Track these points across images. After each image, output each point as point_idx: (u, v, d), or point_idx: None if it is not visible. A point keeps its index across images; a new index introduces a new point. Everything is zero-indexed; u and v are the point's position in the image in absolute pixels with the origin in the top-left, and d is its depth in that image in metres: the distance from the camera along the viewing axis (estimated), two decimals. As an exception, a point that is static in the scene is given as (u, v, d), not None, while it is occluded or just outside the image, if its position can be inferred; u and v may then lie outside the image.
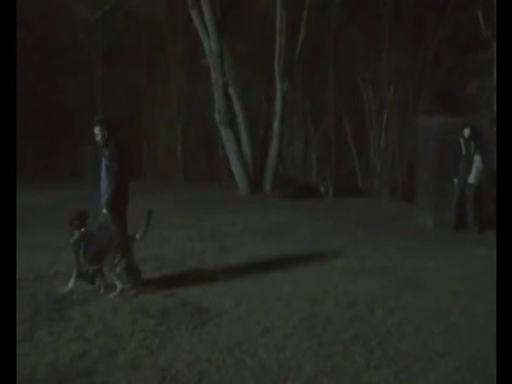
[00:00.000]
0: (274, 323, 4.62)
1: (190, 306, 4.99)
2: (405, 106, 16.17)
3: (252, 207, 11.70)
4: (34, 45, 19.25)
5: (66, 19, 18.66)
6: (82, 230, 5.43)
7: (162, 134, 20.39)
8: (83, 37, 19.99)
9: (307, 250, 7.26)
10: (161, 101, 20.27)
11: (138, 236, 5.55)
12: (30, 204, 11.27)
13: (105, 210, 5.62)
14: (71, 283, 5.36)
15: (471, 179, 8.87)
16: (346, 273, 6.13)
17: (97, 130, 5.70)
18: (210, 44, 13.97)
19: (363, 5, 15.76)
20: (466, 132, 8.91)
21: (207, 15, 13.75)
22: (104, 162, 5.68)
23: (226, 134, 14.20)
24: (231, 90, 14.12)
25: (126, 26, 19.54)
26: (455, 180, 9.00)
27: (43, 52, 19.27)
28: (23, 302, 5.19)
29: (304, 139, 17.91)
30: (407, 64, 15.36)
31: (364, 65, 16.34)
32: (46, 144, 18.84)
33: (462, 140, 8.96)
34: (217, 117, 14.21)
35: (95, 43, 20.64)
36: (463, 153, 8.94)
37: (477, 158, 8.84)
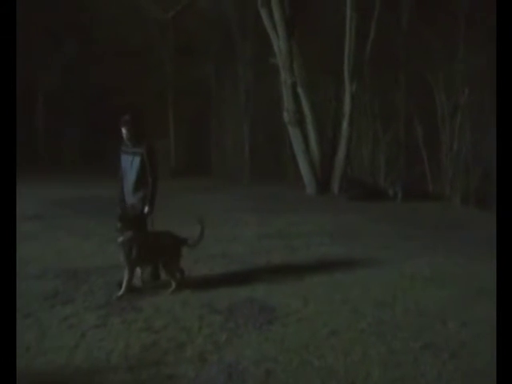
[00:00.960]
0: (341, 326, 4.56)
1: (256, 304, 5.02)
2: (480, 108, 15.48)
3: (320, 208, 11.62)
4: (107, 46, 20.07)
5: (139, 20, 19.27)
6: (133, 231, 5.31)
7: (230, 132, 20.64)
8: (155, 37, 20.60)
9: (375, 253, 7.11)
10: (229, 99, 20.53)
11: (190, 242, 5.59)
12: (104, 196, 11.74)
13: (147, 209, 5.53)
14: (124, 286, 5.26)
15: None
16: (416, 279, 5.94)
17: (124, 129, 5.53)
18: (279, 43, 13.99)
19: (437, 3, 15.23)
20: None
21: (277, 15, 13.78)
22: (132, 161, 5.54)
23: (294, 133, 14.18)
24: (300, 90, 14.07)
25: (196, 25, 19.93)
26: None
27: (117, 53, 20.01)
28: (99, 289, 5.44)
29: (372, 141, 17.57)
30: (484, 64, 14.70)
31: (437, 65, 15.80)
32: (114, 143, 19.53)
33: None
34: (285, 116, 14.22)
35: (167, 43, 21.20)
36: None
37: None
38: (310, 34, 16.15)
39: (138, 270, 5.51)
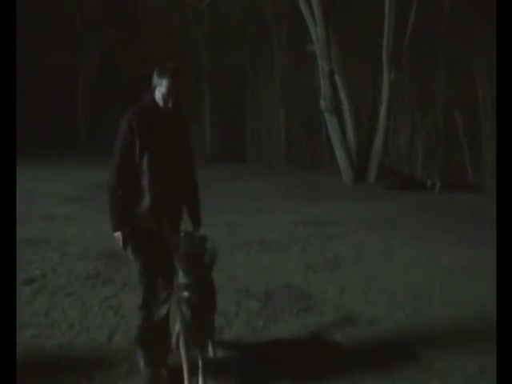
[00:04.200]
0: (379, 315, 4.54)
1: (293, 291, 5.04)
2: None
3: (356, 196, 11.53)
4: (143, 33, 20.24)
5: (175, 7, 19.34)
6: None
7: (266, 118, 20.62)
8: (191, 23, 20.66)
9: (413, 242, 7.02)
10: (265, 86, 20.47)
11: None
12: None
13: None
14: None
15: None
16: (454, 271, 5.84)
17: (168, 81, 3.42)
18: (316, 30, 13.83)
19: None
20: None
21: (314, 1, 13.61)
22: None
23: (330, 121, 14.06)
24: (337, 77, 13.91)
25: (232, 11, 19.88)
26: None
27: (153, 39, 20.18)
28: (118, 273, 5.55)
29: (410, 130, 17.27)
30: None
31: (479, 51, 15.35)
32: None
33: None
34: (322, 104, 14.10)
35: (202, 29, 21.24)
36: None
37: None
38: (348, 20, 15.91)
39: None
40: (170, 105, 3.29)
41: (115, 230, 3.34)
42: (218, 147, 21.24)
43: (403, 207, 9.93)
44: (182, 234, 3.35)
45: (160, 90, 3.26)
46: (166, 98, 3.27)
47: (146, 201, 3.31)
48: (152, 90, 3.32)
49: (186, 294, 3.22)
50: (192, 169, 3.59)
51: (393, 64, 13.62)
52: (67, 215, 8.22)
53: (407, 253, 6.55)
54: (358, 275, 5.62)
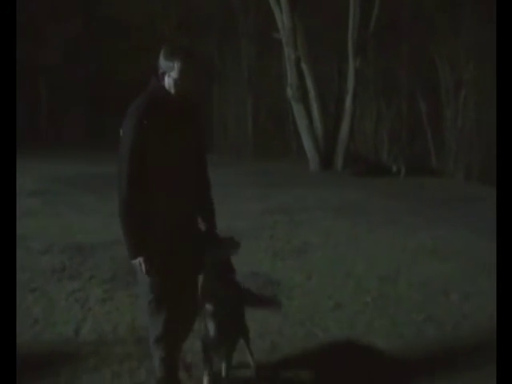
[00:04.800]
0: (346, 299, 4.61)
1: (261, 279, 5.06)
2: (484, 83, 15.34)
3: (323, 183, 11.63)
4: (108, 24, 19.85)
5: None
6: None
7: (233, 107, 20.53)
8: (157, 13, 20.35)
9: (379, 227, 7.14)
10: (232, 75, 20.37)
11: None
12: (110, 171, 11.79)
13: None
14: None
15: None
16: (419, 253, 5.98)
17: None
18: (282, 18, 13.82)
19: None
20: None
21: (279, -12, 13.58)
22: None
23: (297, 109, 14.10)
24: (303, 65, 13.94)
25: (199, 1, 19.65)
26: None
27: (117, 31, 19.82)
28: (104, 264, 5.49)
29: (376, 116, 17.48)
30: (489, 38, 14.51)
31: (441, 40, 15.60)
32: (118, 119, 19.54)
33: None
34: (289, 91, 14.12)
35: (169, 19, 20.95)
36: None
37: None
38: (314, 8, 15.92)
39: None
40: (184, 93, 2.74)
41: (136, 257, 2.73)
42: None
43: (370, 193, 10.07)
44: (209, 246, 2.88)
45: (171, 75, 2.69)
46: (179, 84, 2.70)
47: (163, 212, 2.76)
48: (160, 76, 2.75)
49: (210, 307, 2.88)
50: (206, 166, 3.09)
51: (358, 52, 13.72)
52: (30, 209, 8.03)
53: (374, 237, 6.66)
54: (325, 261, 5.69)
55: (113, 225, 6.69)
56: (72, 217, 7.74)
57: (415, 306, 4.52)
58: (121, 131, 2.76)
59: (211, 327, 2.91)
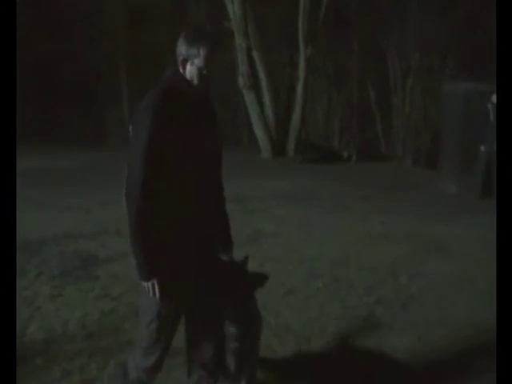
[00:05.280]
0: (298, 285, 4.67)
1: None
2: (430, 72, 15.78)
3: (275, 171, 11.69)
4: (56, 13, 19.20)
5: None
6: None
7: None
8: (107, 2, 19.81)
9: (331, 214, 7.26)
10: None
11: None
12: (60, 166, 11.49)
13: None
14: None
15: (499, 147, 8.76)
16: (369, 238, 6.13)
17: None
18: (233, 7, 13.72)
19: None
20: (495, 98, 8.75)
21: (230, -23, 13.47)
22: None
23: (249, 97, 14.07)
24: (255, 54, 13.91)
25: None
26: (482, 147, 8.86)
27: (67, 19, 19.20)
28: (53, 259, 5.35)
29: (327, 104, 17.70)
30: (435, 28, 14.92)
31: (389, 29, 15.92)
32: (72, 110, 19.02)
33: (489, 106, 8.79)
34: (240, 80, 14.07)
35: (119, 8, 20.44)
36: (491, 119, 8.79)
37: (505, 125, 8.72)
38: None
39: None
40: (207, 85, 2.38)
41: (149, 279, 2.33)
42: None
43: (321, 179, 10.21)
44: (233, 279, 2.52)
45: (195, 62, 2.31)
46: (204, 74, 2.33)
47: (181, 228, 2.36)
48: (181, 64, 2.36)
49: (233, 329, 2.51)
50: (221, 170, 2.68)
51: (309, 40, 13.80)
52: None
53: (326, 223, 6.77)
54: (279, 248, 5.74)
55: (62, 219, 6.57)
56: (21, 211, 7.47)
57: (366, 289, 4.63)
58: (130, 129, 2.35)
59: (232, 362, 2.55)
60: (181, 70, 2.37)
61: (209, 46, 2.32)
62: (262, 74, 13.96)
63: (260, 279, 2.63)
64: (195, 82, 2.35)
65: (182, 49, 2.34)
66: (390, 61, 16.46)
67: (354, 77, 17.73)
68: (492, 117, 8.77)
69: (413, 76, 16.11)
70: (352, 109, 17.45)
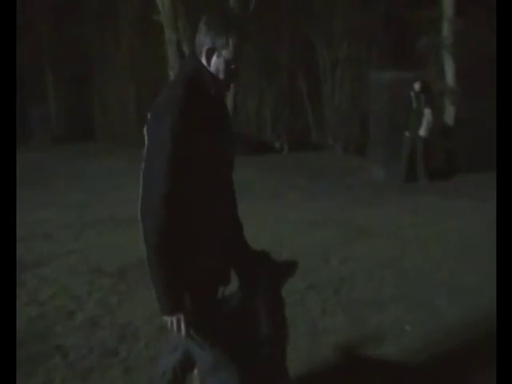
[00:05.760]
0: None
1: (146, 266, 4.98)
2: (358, 62, 16.21)
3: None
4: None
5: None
6: None
7: (115, 93, 19.78)
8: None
9: (264, 203, 7.33)
10: (112, 59, 19.58)
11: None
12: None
13: None
14: None
15: (421, 132, 9.15)
16: (301, 225, 6.24)
17: None
18: (162, 0, 13.49)
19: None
20: (417, 86, 9.15)
21: (158, -31, 13.22)
22: None
23: (179, 91, 13.90)
24: (185, 48, 13.74)
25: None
26: (406, 133, 9.23)
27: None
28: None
29: (258, 95, 17.78)
30: (360, 20, 15.33)
31: (318, 21, 16.19)
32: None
33: (412, 94, 9.18)
34: (171, 74, 13.88)
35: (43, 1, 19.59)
36: (414, 106, 9.18)
37: (427, 112, 9.13)
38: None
39: None
40: (233, 79, 2.05)
41: (173, 313, 1.99)
42: (64, 126, 19.95)
43: (254, 170, 10.27)
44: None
45: (223, 54, 1.98)
46: (232, 68, 2.01)
47: (206, 249, 2.06)
48: (205, 55, 2.01)
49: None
50: (232, 173, 2.32)
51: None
52: None
53: (258, 213, 6.82)
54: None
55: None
56: None
57: (298, 275, 4.70)
58: (145, 134, 1.98)
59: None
60: (204, 62, 2.02)
61: (239, 35, 1.98)
62: (192, 68, 13.83)
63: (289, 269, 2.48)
64: (221, 76, 2.02)
65: (205, 38, 2.00)
66: (320, 51, 16.74)
67: (285, 68, 17.90)
68: (414, 103, 9.15)
69: (341, 66, 16.47)
70: (283, 100, 17.62)
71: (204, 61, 2.02)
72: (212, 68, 2.02)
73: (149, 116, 2.00)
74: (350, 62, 16.40)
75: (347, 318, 3.90)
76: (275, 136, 15.40)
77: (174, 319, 1.98)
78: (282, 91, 17.77)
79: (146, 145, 1.96)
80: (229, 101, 13.96)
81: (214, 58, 2.01)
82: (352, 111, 15.45)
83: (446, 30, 11.68)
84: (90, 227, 6.32)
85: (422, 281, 4.56)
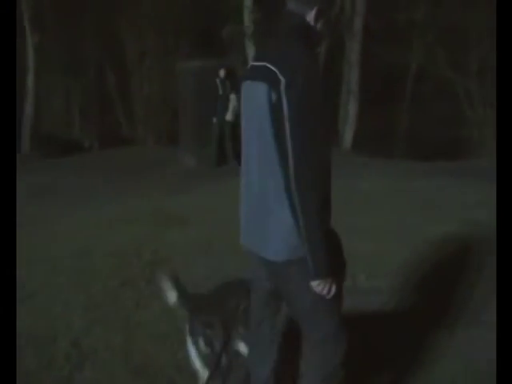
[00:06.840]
0: (39, 287, 4.43)
1: None
2: (166, 52, 16.22)
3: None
4: None
5: None
6: None
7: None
8: None
9: (73, 207, 7.04)
10: None
11: None
12: None
13: None
14: None
15: (228, 116, 9.59)
16: (114, 222, 6.12)
17: None
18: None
19: None
20: (222, 73, 9.56)
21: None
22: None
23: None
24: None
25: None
26: (214, 119, 9.59)
27: None
28: None
29: (64, 93, 16.81)
30: (167, 9, 15.35)
31: (124, 13, 15.78)
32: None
33: (218, 81, 9.55)
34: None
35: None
36: (220, 93, 9.57)
37: (232, 97, 9.58)
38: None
39: None
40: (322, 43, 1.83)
41: (329, 274, 2.01)
42: None
43: (61, 173, 9.66)
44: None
45: (328, 16, 2.00)
46: (329, 32, 1.76)
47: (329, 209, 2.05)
48: (314, 17, 1.95)
49: None
50: None
51: (36, 26, 12.77)
52: None
53: (69, 217, 6.54)
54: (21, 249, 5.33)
55: None
56: None
57: (111, 273, 4.65)
58: (274, 97, 1.85)
59: None
60: (312, 23, 1.94)
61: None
62: None
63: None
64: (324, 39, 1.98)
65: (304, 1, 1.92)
66: (127, 44, 16.37)
67: (91, 62, 17.18)
68: (220, 90, 9.54)
69: (149, 57, 16.33)
70: (91, 95, 16.93)
71: (313, 22, 1.96)
72: (314, 38, 2.00)
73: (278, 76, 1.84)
74: (158, 53, 16.37)
75: (160, 308, 3.95)
76: (85, 134, 14.75)
77: (329, 280, 2.00)
78: (90, 87, 17.07)
79: (290, 107, 1.84)
80: (28, 101, 12.96)
81: (321, 21, 1.97)
82: (162, 102, 15.47)
83: (247, 18, 11.96)
84: None
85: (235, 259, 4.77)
